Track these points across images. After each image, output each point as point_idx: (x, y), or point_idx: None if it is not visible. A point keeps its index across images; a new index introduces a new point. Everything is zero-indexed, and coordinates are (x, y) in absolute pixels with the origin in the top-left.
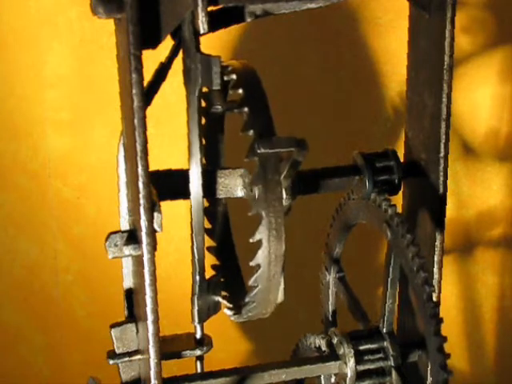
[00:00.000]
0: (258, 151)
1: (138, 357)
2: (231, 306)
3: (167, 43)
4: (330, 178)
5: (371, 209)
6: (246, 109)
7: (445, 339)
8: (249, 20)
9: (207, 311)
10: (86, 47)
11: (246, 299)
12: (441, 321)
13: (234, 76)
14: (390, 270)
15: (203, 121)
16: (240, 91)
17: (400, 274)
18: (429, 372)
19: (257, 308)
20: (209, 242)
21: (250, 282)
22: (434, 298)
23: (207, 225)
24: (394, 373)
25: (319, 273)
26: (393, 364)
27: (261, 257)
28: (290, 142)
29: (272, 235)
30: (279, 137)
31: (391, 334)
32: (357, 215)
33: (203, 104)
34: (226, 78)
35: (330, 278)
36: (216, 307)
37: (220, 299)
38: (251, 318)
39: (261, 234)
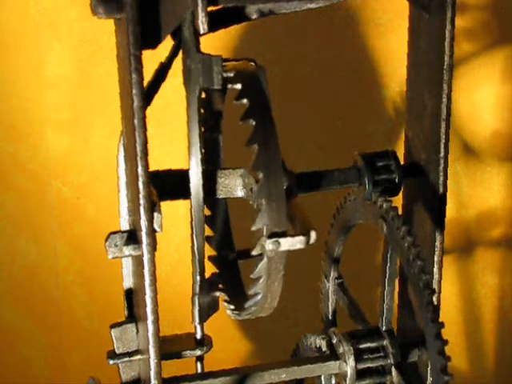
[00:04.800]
0: (267, 249)
1: (138, 357)
2: (229, 299)
3: (167, 43)
4: (331, 180)
5: (367, 207)
6: (251, 121)
7: (442, 325)
8: (249, 20)
9: (207, 310)
10: (86, 47)
11: (246, 305)
12: (438, 308)
13: (238, 86)
14: (388, 267)
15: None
16: (245, 101)
17: (400, 274)
18: (429, 369)
19: (257, 311)
20: (208, 233)
21: (251, 291)
22: (432, 286)
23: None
24: (394, 370)
25: (318, 282)
26: (392, 362)
27: (262, 268)
28: (299, 241)
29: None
30: (289, 236)
31: (390, 332)
32: (355, 216)
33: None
34: (230, 86)
35: (330, 285)
36: (215, 305)
37: (218, 294)
38: (251, 317)
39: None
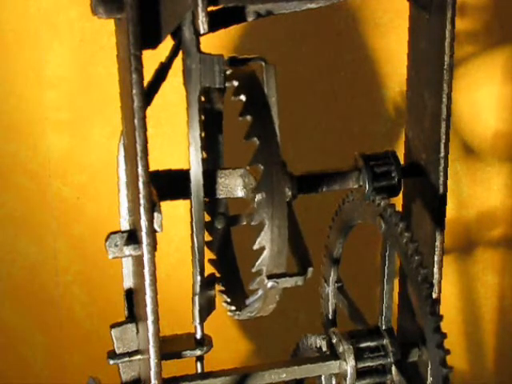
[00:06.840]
0: (267, 286)
1: (138, 357)
2: (229, 300)
3: (167, 43)
4: (331, 182)
5: (366, 206)
6: (249, 116)
7: (441, 318)
8: (249, 20)
9: (207, 309)
10: (86, 47)
11: (247, 302)
12: (436, 301)
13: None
14: (386, 265)
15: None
16: (249, 118)
17: (399, 274)
18: (429, 368)
19: (258, 309)
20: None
21: (245, 311)
22: (431, 280)
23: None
24: (394, 369)
25: (319, 287)
26: (392, 360)
27: (259, 299)
28: (297, 280)
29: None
30: (288, 276)
31: (390, 331)
32: (353, 216)
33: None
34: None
35: (330, 288)
36: (214, 303)
37: (219, 294)
38: (251, 317)
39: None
